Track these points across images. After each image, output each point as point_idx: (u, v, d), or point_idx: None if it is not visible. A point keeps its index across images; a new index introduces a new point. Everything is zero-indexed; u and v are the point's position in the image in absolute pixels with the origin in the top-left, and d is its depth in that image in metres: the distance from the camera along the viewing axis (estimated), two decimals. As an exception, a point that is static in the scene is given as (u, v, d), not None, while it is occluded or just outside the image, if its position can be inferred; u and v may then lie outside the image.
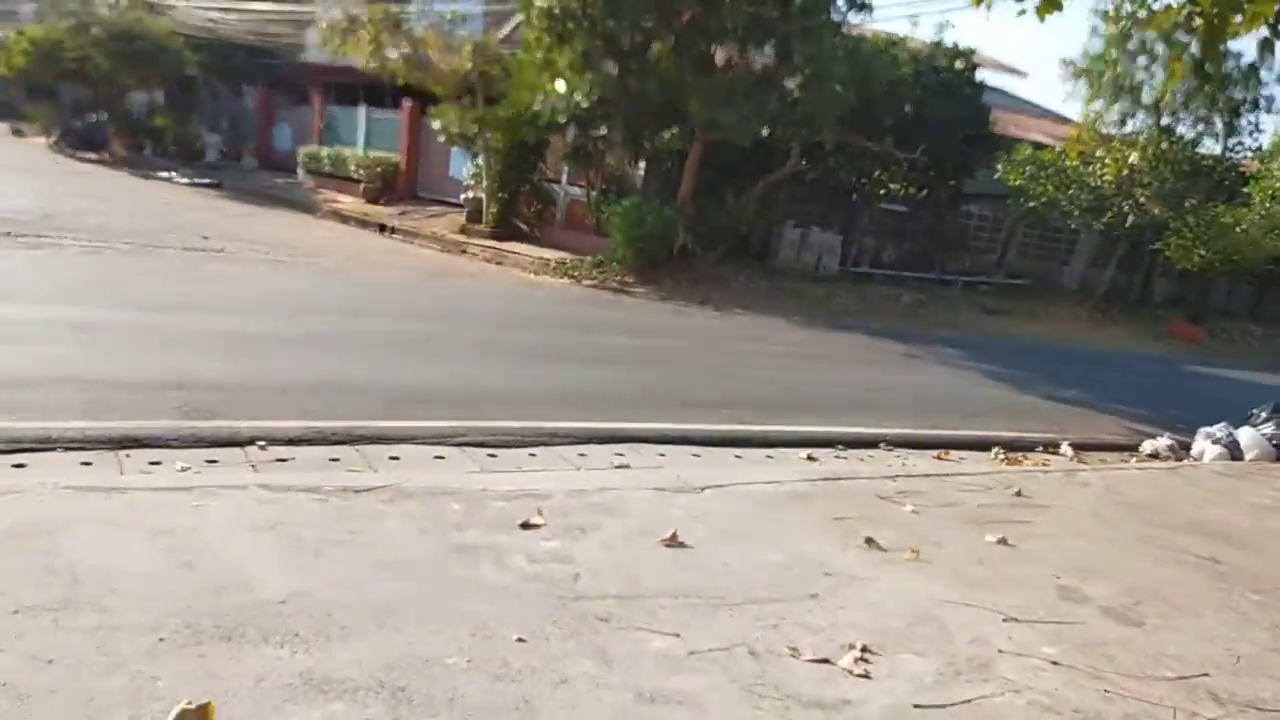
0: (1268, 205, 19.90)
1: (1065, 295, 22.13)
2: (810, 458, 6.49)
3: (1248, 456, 8.00)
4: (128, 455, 4.80)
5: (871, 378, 10.74)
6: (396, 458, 5.37)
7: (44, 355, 6.53)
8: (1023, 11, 5.59)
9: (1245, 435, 8.13)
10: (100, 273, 10.25)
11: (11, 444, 4.70)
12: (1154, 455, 8.11)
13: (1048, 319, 19.41)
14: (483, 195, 18.88)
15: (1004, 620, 3.78)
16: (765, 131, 14.73)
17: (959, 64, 18.75)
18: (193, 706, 2.41)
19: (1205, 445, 8.14)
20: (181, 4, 26.63)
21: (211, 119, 31.45)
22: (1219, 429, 8.21)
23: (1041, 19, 5.63)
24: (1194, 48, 4.77)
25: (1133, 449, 8.39)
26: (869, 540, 4.45)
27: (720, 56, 15.42)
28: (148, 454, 4.87)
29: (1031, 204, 19.85)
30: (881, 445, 7.22)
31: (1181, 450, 8.29)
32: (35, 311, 7.83)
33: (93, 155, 26.02)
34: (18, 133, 31.72)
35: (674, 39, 14.76)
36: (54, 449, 4.72)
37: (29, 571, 3.10)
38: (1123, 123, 19.67)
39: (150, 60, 25.89)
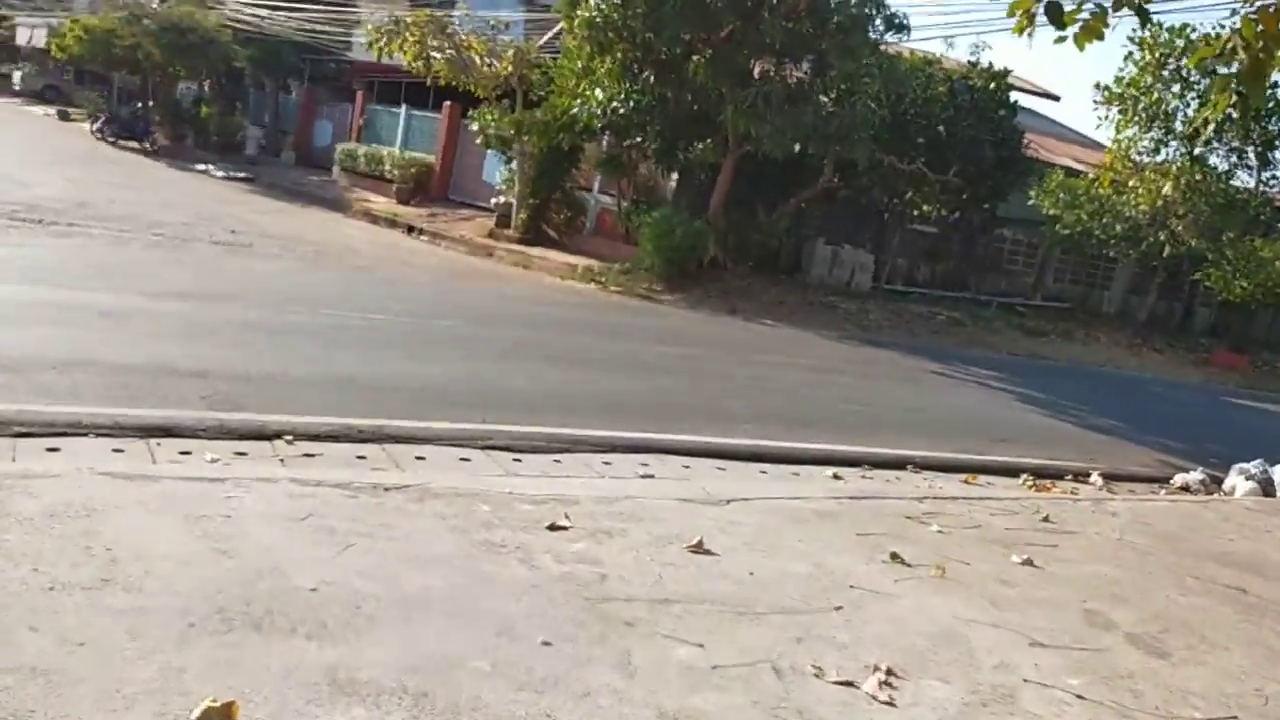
0: (1306, 239, 19.72)
1: (1104, 320, 21.97)
2: (836, 476, 6.42)
3: (1281, 494, 7.87)
4: (158, 444, 4.84)
5: (902, 396, 10.68)
6: (422, 458, 5.39)
7: (70, 339, 6.60)
8: (1062, 39, 5.54)
9: (1281, 473, 8.01)
10: (128, 262, 10.39)
11: (45, 427, 4.75)
12: (1185, 488, 7.99)
13: (1086, 342, 19.24)
14: (513, 200, 18.98)
15: (1030, 644, 3.74)
16: (798, 147, 14.74)
17: (992, 85, 18.71)
18: (217, 704, 2.39)
19: (1238, 480, 8.01)
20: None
21: (255, 112, 31.82)
22: (1255, 465, 8.08)
23: (1081, 47, 5.57)
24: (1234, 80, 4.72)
25: (1164, 481, 8.27)
26: (894, 556, 4.43)
27: (757, 70, 15.46)
28: (177, 443, 4.91)
29: (1066, 231, 19.74)
30: (909, 467, 7.15)
31: (1213, 484, 8.17)
32: (62, 297, 7.91)
33: (134, 144, 26.33)
34: (64, 116, 32.22)
35: (712, 52, 14.82)
36: (86, 434, 4.76)
37: (66, 551, 3.14)
38: (1155, 150, 19.53)
39: (199, 52, 26.26)
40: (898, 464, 7.17)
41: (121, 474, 3.99)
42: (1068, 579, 4.61)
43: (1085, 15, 5.49)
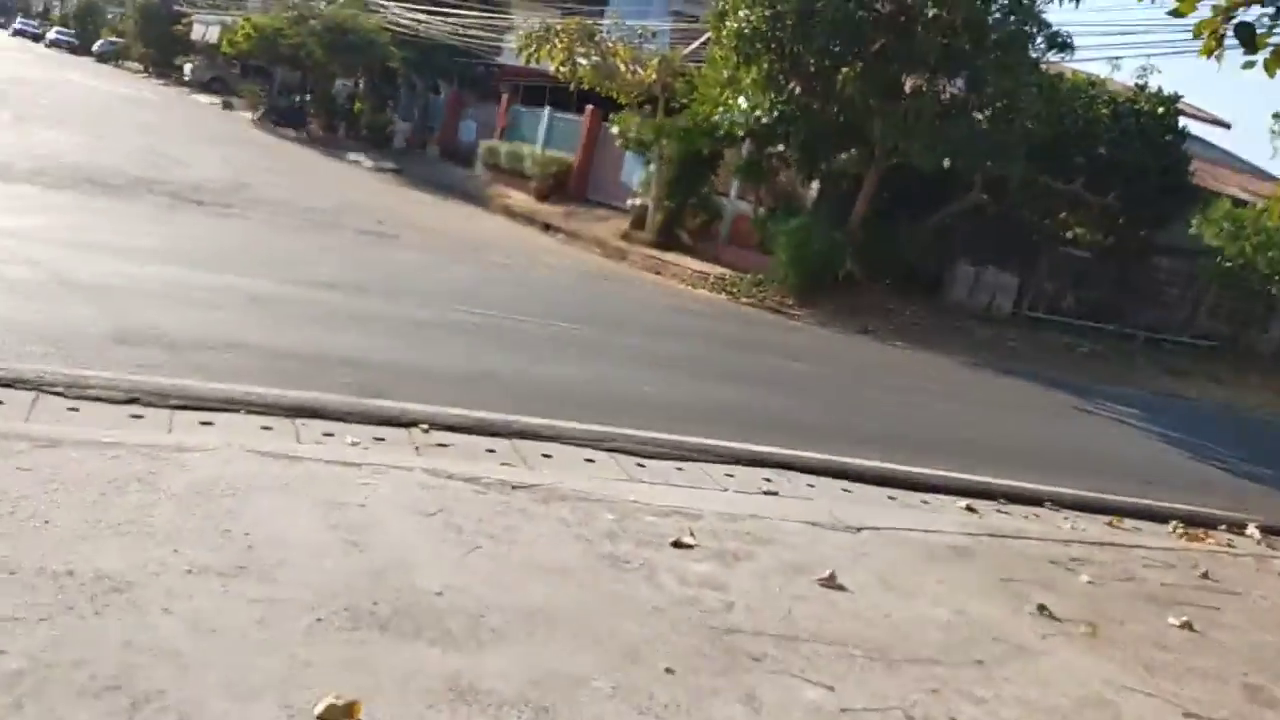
0: None
1: (1259, 362, 20.50)
2: (970, 509, 6.08)
3: None
4: (304, 424, 4.96)
5: (1039, 429, 10.18)
6: (549, 455, 5.37)
7: (225, 321, 6.86)
8: (1251, 63, 5.14)
9: None
10: (280, 246, 10.80)
11: (200, 402, 4.93)
12: (1358, 549, 7.31)
13: (1235, 385, 18.03)
14: (649, 203, 19.02)
15: (1184, 716, 3.44)
16: (947, 162, 14.23)
17: (1160, 110, 17.71)
18: (341, 703, 2.39)
19: None
20: (393, 4, 28.13)
21: (404, 109, 33.02)
22: None
23: (1271, 74, 5.17)
24: None
25: (1330, 540, 7.61)
26: (1041, 608, 4.15)
27: (909, 85, 15.01)
28: (322, 425, 5.02)
29: (1227, 264, 18.54)
30: (1046, 504, 6.74)
31: (1391, 548, 7.46)
32: (218, 279, 8.24)
33: (291, 132, 27.74)
34: (228, 106, 34.30)
35: (862, 66, 14.46)
36: (238, 411, 4.92)
37: (207, 532, 3.22)
38: (1334, 183, 18.13)
39: (358, 52, 27.53)
40: (1034, 499, 6.75)
41: (267, 452, 4.11)
42: (1230, 646, 4.24)
43: (1278, 38, 5.08)
